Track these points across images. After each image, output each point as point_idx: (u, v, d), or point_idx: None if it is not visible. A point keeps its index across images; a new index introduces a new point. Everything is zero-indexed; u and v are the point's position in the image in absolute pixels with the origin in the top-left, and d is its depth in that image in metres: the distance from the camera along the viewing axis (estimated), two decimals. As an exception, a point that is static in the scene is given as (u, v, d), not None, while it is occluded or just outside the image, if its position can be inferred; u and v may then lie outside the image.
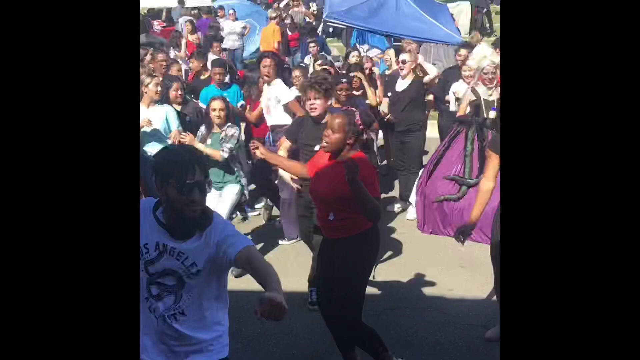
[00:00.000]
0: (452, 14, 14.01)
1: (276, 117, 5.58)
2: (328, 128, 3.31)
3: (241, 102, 6.23)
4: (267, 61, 5.52)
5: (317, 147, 3.81)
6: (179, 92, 5.57)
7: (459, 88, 6.08)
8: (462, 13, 17.46)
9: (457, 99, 6.03)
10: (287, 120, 5.40)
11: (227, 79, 6.63)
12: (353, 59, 6.98)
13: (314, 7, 16.51)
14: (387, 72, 7.32)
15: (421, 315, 4.46)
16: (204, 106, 6.15)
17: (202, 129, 5.19)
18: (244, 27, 13.57)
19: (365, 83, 6.47)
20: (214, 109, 5.02)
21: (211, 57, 8.85)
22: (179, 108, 5.61)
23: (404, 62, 6.11)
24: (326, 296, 3.54)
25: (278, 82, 5.57)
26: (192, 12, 16.79)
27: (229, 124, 5.10)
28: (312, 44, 9.35)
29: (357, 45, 9.77)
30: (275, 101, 5.52)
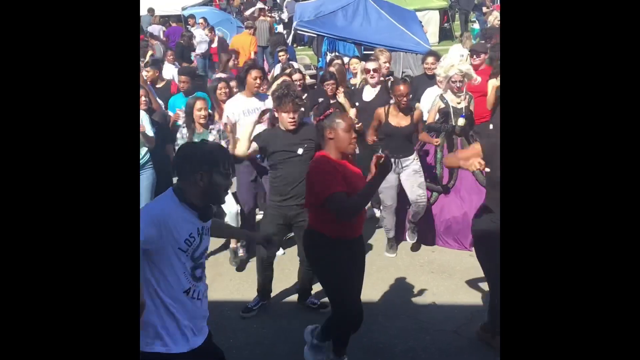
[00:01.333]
0: (420, 22, 14.21)
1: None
2: (351, 131, 3.48)
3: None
4: (258, 72, 5.45)
5: (299, 151, 4.27)
6: (143, 99, 5.58)
7: (429, 95, 6.13)
8: (431, 21, 17.71)
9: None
10: None
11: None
12: (335, 66, 6.91)
13: (285, 15, 16.57)
14: (350, 81, 7.31)
15: (393, 322, 4.49)
16: (171, 113, 6.15)
17: (183, 131, 5.22)
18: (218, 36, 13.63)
19: (339, 92, 6.45)
20: (199, 109, 5.11)
21: (166, 66, 8.86)
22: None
23: (374, 70, 6.09)
24: None
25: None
26: (161, 20, 16.70)
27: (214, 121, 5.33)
28: (281, 53, 9.35)
29: (328, 53, 9.81)
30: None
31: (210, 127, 5.22)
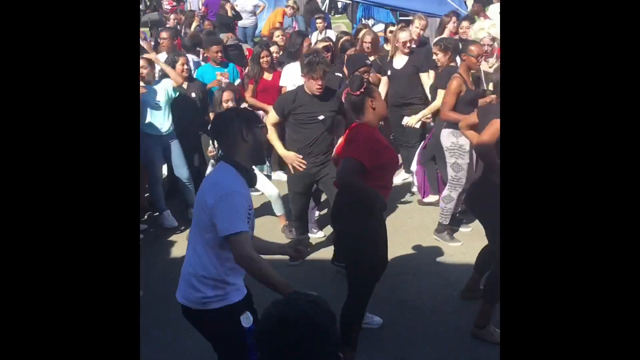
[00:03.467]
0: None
1: None
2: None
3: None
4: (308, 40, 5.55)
5: (320, 117, 4.54)
6: (185, 67, 5.70)
7: None
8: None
9: None
10: None
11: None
12: (367, 36, 6.95)
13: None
14: (384, 47, 7.29)
15: (422, 281, 4.67)
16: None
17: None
18: (257, 6, 13.59)
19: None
20: (226, 101, 5.25)
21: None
22: (185, 84, 5.77)
23: (408, 41, 6.13)
24: None
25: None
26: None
27: None
28: (318, 20, 9.43)
29: (364, 19, 9.81)
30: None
31: None
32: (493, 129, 3.64)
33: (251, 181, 2.75)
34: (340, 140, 3.82)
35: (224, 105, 5.24)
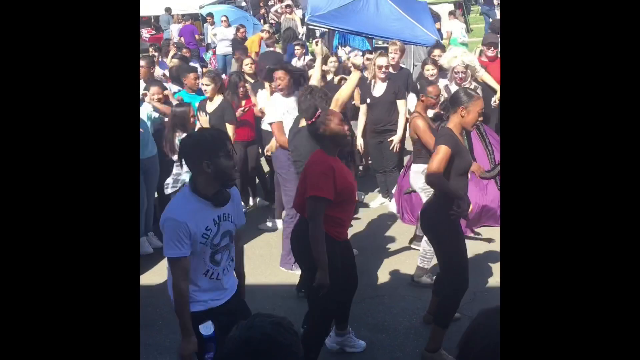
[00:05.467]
0: (436, 13, 14.24)
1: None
2: (343, 123, 3.61)
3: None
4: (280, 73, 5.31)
5: None
6: (155, 97, 5.83)
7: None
8: (446, 14, 17.75)
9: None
10: None
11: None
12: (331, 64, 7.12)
13: (298, 12, 16.67)
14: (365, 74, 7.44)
15: (398, 302, 4.70)
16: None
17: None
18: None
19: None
20: (193, 116, 5.23)
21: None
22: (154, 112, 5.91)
23: (383, 67, 6.23)
24: None
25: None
26: (182, 19, 16.95)
27: None
28: (297, 47, 9.56)
29: (340, 47, 9.97)
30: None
31: None
32: (440, 156, 3.59)
33: (217, 202, 2.78)
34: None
35: (192, 119, 5.17)
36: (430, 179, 3.70)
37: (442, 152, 3.57)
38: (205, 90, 5.92)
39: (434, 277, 4.93)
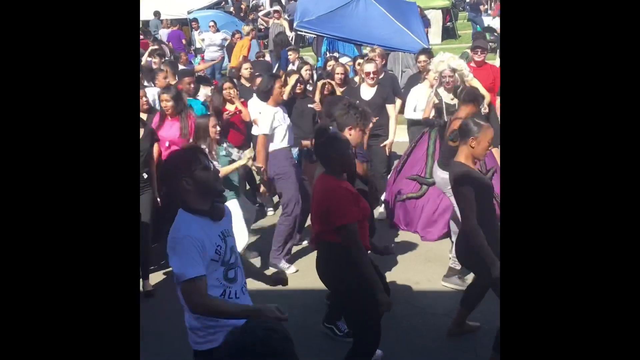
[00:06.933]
0: (425, 16, 14.25)
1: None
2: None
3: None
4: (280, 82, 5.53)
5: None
6: (143, 99, 5.71)
7: (418, 92, 6.35)
8: (434, 20, 17.90)
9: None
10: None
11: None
12: (338, 68, 7.12)
13: (286, 17, 16.67)
14: (355, 79, 7.49)
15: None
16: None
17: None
18: (224, 39, 13.74)
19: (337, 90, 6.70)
20: (214, 125, 5.07)
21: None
22: (144, 116, 5.81)
23: (372, 73, 6.28)
24: None
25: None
26: (171, 23, 16.90)
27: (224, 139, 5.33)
28: (290, 52, 9.55)
29: (328, 52, 10.00)
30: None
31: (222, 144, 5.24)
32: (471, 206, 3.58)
33: (215, 215, 2.68)
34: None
35: (211, 130, 5.03)
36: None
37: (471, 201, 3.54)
38: (165, 107, 5.65)
39: (464, 281, 4.90)
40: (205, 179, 2.63)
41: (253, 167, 5.41)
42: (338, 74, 6.70)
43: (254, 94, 6.34)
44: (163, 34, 16.04)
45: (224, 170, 4.89)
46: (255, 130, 6.09)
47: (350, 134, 3.98)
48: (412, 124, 6.62)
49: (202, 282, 2.51)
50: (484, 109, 6.45)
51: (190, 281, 2.49)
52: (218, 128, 5.11)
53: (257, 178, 6.89)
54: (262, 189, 5.62)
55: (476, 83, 6.38)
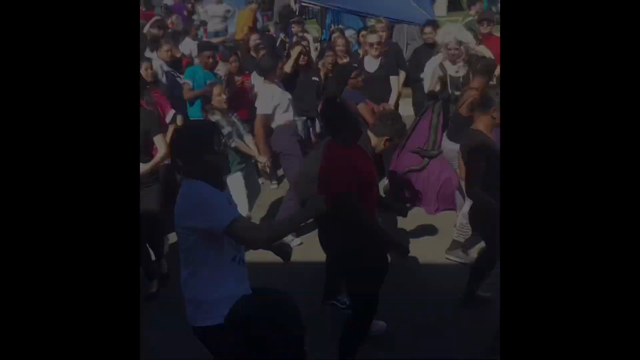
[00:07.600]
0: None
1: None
2: None
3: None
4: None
5: None
6: (149, 71, 5.60)
7: (434, 65, 6.26)
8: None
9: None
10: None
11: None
12: (339, 40, 7.04)
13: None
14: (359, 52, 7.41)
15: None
16: (189, 82, 6.26)
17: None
18: (228, 11, 13.57)
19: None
20: (219, 94, 5.03)
21: (186, 41, 8.91)
22: None
23: (376, 44, 6.21)
24: None
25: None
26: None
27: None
28: (294, 25, 9.45)
29: (332, 25, 9.88)
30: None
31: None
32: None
33: (222, 188, 2.67)
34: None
35: (216, 99, 5.01)
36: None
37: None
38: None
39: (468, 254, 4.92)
40: (216, 163, 2.60)
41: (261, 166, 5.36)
42: (339, 46, 6.65)
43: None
44: (168, 2, 15.81)
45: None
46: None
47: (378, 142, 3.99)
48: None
49: (244, 218, 2.62)
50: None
51: (235, 221, 2.48)
52: (223, 97, 5.01)
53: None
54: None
55: (483, 49, 6.28)
